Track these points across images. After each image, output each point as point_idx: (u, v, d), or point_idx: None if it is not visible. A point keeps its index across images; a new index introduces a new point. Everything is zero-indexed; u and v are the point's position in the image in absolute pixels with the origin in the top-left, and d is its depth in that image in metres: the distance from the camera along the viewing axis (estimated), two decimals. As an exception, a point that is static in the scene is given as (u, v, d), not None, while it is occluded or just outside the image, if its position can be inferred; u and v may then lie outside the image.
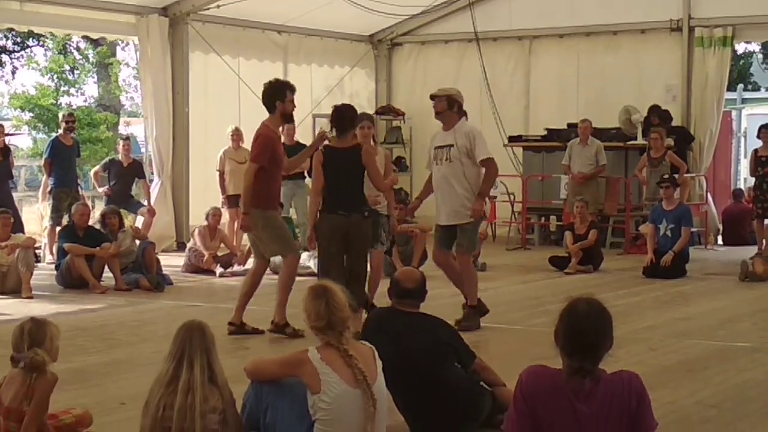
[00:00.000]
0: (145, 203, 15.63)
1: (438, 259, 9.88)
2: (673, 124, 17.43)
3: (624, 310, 10.60)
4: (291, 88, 9.58)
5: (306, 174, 16.53)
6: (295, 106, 9.64)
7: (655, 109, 17.17)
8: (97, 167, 16.18)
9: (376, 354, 5.23)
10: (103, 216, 13.24)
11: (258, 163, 9.24)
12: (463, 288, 9.77)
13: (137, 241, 13.02)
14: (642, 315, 10.72)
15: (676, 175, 15.30)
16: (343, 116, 9.30)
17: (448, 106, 9.55)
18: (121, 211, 15.03)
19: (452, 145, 9.53)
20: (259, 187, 9.23)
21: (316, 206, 9.25)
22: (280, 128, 10.00)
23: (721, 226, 18.49)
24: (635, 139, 17.32)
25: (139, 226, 14.67)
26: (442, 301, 9.67)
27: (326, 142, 9.46)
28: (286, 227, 9.75)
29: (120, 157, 15.52)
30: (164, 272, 12.95)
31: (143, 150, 19.86)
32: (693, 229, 15.05)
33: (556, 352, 4.16)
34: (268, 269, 9.89)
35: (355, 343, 5.23)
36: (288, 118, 9.68)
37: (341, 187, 9.10)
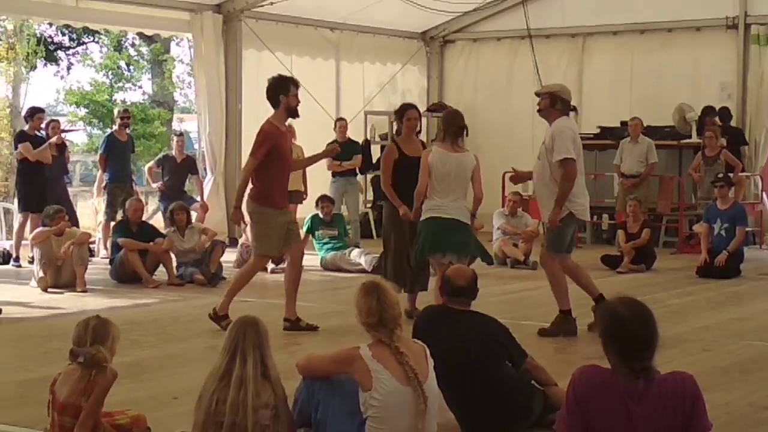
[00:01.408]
0: (198, 199, 15.74)
1: (541, 258, 9.79)
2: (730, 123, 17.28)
3: (677, 310, 10.51)
4: (295, 83, 9.63)
5: (357, 171, 16.62)
6: (299, 101, 9.62)
7: (710, 110, 17.00)
8: (151, 163, 16.32)
9: (428, 352, 5.22)
10: (171, 212, 13.35)
11: (254, 158, 9.27)
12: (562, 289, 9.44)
13: (203, 238, 13.10)
14: (696, 315, 10.62)
15: (731, 174, 15.14)
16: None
17: (551, 104, 9.36)
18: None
19: (544, 143, 9.48)
20: (257, 182, 9.29)
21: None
22: (286, 123, 9.88)
23: (776, 226, 18.27)
24: (689, 137, 17.16)
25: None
26: (493, 299, 9.65)
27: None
28: (279, 229, 9.44)
29: (174, 153, 15.62)
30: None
31: (196, 146, 19.99)
32: (748, 229, 14.89)
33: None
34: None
35: (406, 340, 5.24)
36: (292, 113, 9.63)
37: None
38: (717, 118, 16.99)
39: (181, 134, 16.87)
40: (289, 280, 9.52)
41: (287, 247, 9.48)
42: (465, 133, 9.37)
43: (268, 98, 9.58)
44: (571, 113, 9.50)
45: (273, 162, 9.30)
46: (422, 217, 9.26)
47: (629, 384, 4.05)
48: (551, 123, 9.36)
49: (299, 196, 15.94)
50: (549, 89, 9.58)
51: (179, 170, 15.45)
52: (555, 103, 9.34)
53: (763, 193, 17.89)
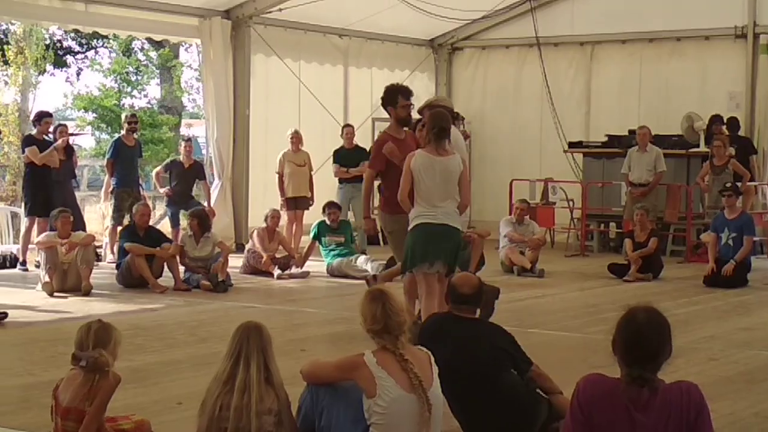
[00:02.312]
0: (206, 204, 15.75)
1: None
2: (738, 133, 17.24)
3: (684, 319, 10.49)
4: (404, 93, 9.58)
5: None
6: (408, 112, 9.61)
7: (717, 118, 16.97)
8: (158, 168, 16.34)
9: (433, 359, 5.21)
10: (192, 215, 13.38)
11: (372, 169, 9.41)
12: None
13: (217, 249, 13.11)
14: (702, 325, 10.59)
15: (739, 184, 15.11)
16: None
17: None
18: (181, 212, 15.22)
19: None
20: (386, 192, 9.38)
21: None
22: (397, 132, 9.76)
23: (784, 236, 18.22)
24: (697, 146, 17.14)
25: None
26: (499, 306, 9.61)
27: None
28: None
29: (181, 158, 15.63)
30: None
31: (204, 151, 20.01)
32: (755, 238, 14.85)
33: (614, 360, 4.12)
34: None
35: (411, 347, 5.22)
36: (404, 122, 9.63)
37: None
38: (725, 128, 16.96)
39: (188, 139, 16.88)
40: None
41: None
42: (448, 135, 8.70)
43: (384, 109, 9.67)
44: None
45: (395, 170, 9.12)
46: (410, 225, 8.76)
47: (634, 393, 4.03)
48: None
49: (305, 203, 15.97)
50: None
51: (187, 175, 15.45)
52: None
53: (771, 203, 17.85)
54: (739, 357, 8.97)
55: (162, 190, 15.77)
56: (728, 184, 14.47)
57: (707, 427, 4.08)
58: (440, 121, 8.71)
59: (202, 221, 13.37)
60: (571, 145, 18.49)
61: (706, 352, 9.03)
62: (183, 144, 16.04)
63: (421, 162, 8.61)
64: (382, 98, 9.65)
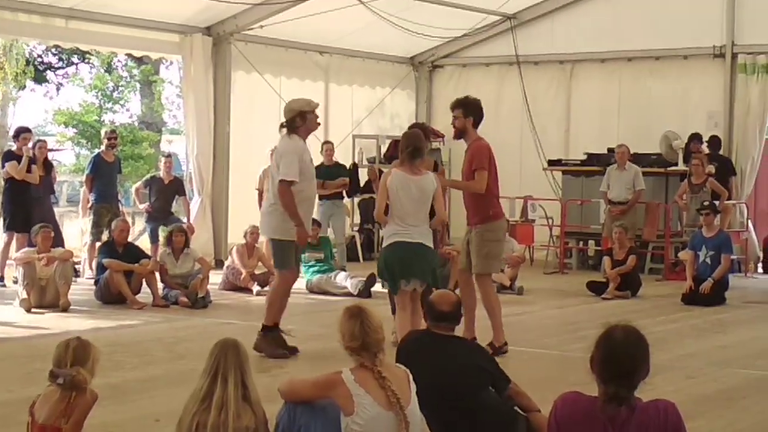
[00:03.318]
0: (185, 220, 15.73)
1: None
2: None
3: (662, 337, 10.51)
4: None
5: (345, 194, 16.65)
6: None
7: (696, 137, 17.05)
8: (138, 184, 16.31)
9: (411, 377, 5.21)
10: (170, 233, 13.37)
11: (486, 171, 9.39)
12: None
13: (196, 266, 13.09)
14: (680, 342, 10.63)
15: (717, 202, 15.19)
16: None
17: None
18: (160, 228, 15.18)
19: None
20: (494, 198, 9.55)
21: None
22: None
23: (761, 254, 18.29)
24: (676, 165, 17.23)
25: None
26: (478, 324, 9.62)
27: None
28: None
29: (161, 174, 15.61)
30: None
31: (184, 167, 19.99)
32: (733, 257, 14.93)
33: (592, 378, 4.14)
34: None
35: (389, 365, 5.22)
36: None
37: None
38: (705, 146, 17.05)
39: (168, 155, 16.85)
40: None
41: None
42: (422, 154, 8.93)
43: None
44: (283, 129, 9.38)
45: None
46: (385, 243, 8.96)
47: (611, 411, 4.04)
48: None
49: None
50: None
51: (166, 191, 15.42)
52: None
53: (749, 221, 17.95)
54: (717, 375, 9.00)
55: (141, 206, 15.74)
56: (706, 203, 14.55)
57: (684, 446, 4.10)
58: (414, 141, 8.95)
59: (187, 236, 13.41)
60: (551, 163, 18.55)
61: (684, 370, 9.06)
62: (163, 160, 16.02)
63: (397, 181, 8.80)
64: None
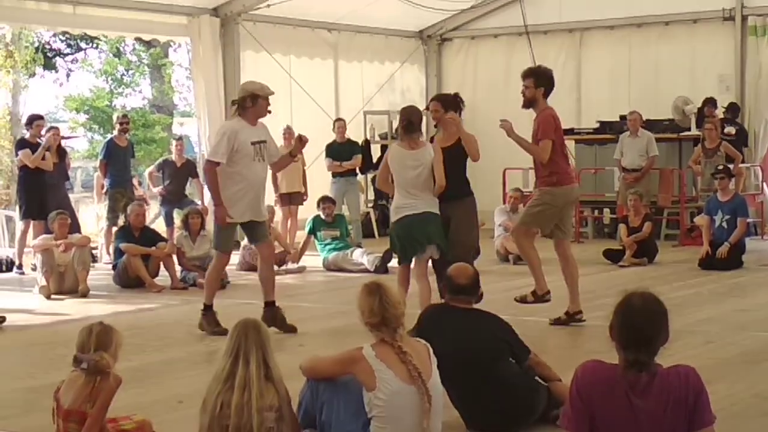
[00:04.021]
0: (199, 203, 15.75)
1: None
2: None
3: (680, 302, 10.51)
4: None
5: (358, 171, 16.65)
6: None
7: (709, 102, 16.99)
8: (151, 167, 16.34)
9: (431, 351, 5.24)
10: (186, 215, 13.41)
11: (551, 140, 9.55)
12: None
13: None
14: (698, 307, 10.62)
15: (731, 166, 15.15)
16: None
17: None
18: (175, 211, 15.22)
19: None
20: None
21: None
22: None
23: (777, 217, 18.27)
24: (689, 130, 17.17)
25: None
26: (495, 296, 9.65)
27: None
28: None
29: (173, 157, 15.65)
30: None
31: (197, 150, 20.01)
32: (749, 220, 14.89)
33: (611, 346, 4.15)
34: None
35: (409, 339, 5.25)
36: None
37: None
38: (722, 111, 16.98)
39: (180, 138, 16.88)
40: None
41: None
42: (415, 128, 9.15)
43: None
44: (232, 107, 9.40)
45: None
46: (393, 218, 9.22)
47: (632, 378, 4.06)
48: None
49: (300, 198, 15.99)
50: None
51: (179, 174, 15.47)
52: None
53: (764, 184, 17.89)
54: (736, 339, 9.00)
55: (155, 190, 15.78)
56: (720, 167, 14.50)
57: (706, 411, 4.11)
58: (409, 115, 9.23)
59: (203, 218, 13.44)
60: (563, 132, 18.45)
61: (703, 335, 9.06)
62: (174, 143, 16.06)
63: (396, 155, 9.15)
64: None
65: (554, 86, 9.78)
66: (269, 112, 9.49)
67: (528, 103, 9.67)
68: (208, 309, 9.51)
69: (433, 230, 9.03)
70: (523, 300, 9.57)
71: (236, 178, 9.19)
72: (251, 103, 9.23)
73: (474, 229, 9.54)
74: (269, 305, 9.42)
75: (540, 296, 9.57)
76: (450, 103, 9.63)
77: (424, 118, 10.17)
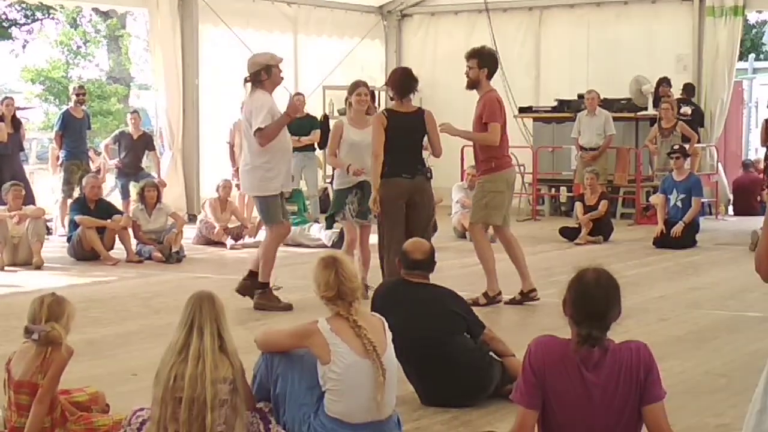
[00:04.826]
0: (155, 175, 15.67)
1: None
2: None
3: (634, 280, 10.61)
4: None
5: (316, 146, 16.60)
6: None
7: (664, 81, 17.08)
8: (107, 140, 16.23)
9: (386, 325, 5.24)
10: (142, 188, 13.31)
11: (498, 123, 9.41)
12: None
13: (170, 221, 13.06)
14: (652, 285, 10.72)
15: (687, 146, 15.27)
16: (403, 80, 9.25)
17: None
18: (131, 183, 15.12)
19: None
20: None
21: (378, 168, 9.04)
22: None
23: (731, 196, 18.46)
24: (646, 109, 17.27)
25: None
26: (453, 272, 9.69)
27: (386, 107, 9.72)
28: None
29: (129, 129, 15.55)
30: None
31: (154, 123, 19.88)
32: (704, 200, 15.03)
33: (566, 322, 4.18)
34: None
35: (365, 313, 5.25)
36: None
37: (405, 150, 8.98)
38: (680, 92, 17.08)
39: (135, 111, 16.78)
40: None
41: None
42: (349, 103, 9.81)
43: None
44: (248, 85, 9.31)
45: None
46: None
47: (585, 353, 4.09)
48: None
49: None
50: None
51: (135, 147, 15.38)
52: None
53: (719, 164, 18.06)
54: (689, 316, 9.10)
55: (111, 162, 15.67)
56: (676, 146, 14.62)
57: (656, 386, 4.16)
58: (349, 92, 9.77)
59: (159, 191, 13.38)
60: (521, 110, 18.55)
61: (656, 312, 9.16)
62: (130, 116, 15.95)
63: (346, 134, 9.85)
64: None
65: (498, 67, 9.66)
66: (282, 78, 9.49)
67: (472, 85, 9.52)
68: (265, 287, 9.40)
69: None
70: (475, 303, 9.37)
71: (276, 147, 9.20)
72: (266, 75, 9.19)
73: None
74: (253, 275, 9.40)
75: (492, 297, 9.43)
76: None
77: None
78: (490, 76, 9.50)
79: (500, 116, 9.41)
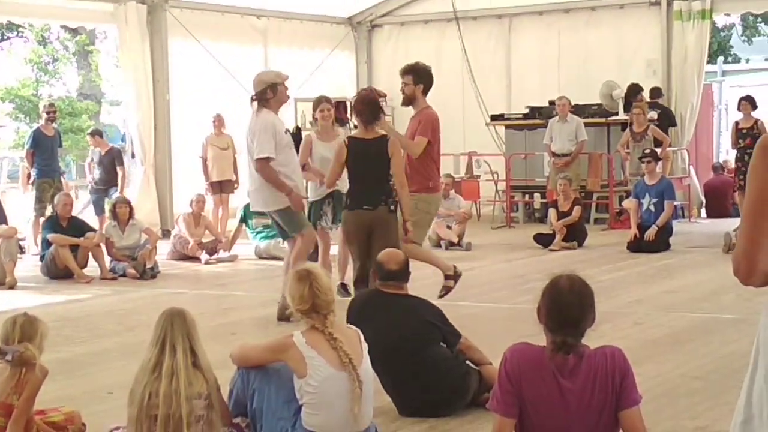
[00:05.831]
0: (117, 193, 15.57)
1: None
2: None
3: (609, 285, 10.65)
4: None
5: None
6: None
7: (635, 88, 17.14)
8: (88, 159, 16.31)
9: (362, 337, 5.24)
10: (114, 205, 13.25)
11: (431, 141, 9.33)
12: None
13: (143, 236, 12.99)
14: (627, 289, 10.76)
15: (658, 150, 15.34)
16: (371, 108, 8.91)
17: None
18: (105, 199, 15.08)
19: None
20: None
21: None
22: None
23: (704, 199, 18.56)
24: (617, 114, 17.35)
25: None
26: (428, 281, 9.68)
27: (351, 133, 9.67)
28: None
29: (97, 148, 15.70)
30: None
31: (125, 138, 19.83)
32: (676, 203, 15.10)
33: (541, 329, 4.18)
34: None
35: (340, 326, 5.24)
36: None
37: (367, 180, 8.80)
38: (647, 96, 17.15)
39: (91, 133, 17.00)
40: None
41: None
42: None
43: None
44: (254, 103, 9.24)
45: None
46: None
47: (560, 360, 4.10)
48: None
49: (231, 186, 15.92)
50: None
51: (105, 162, 15.55)
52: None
53: (691, 167, 18.15)
54: (664, 320, 9.13)
55: (89, 179, 15.81)
56: (647, 151, 14.68)
57: (632, 390, 4.17)
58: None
59: (131, 207, 13.33)
60: (493, 117, 18.60)
61: (631, 316, 9.18)
62: (90, 139, 16.12)
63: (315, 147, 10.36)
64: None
65: (433, 83, 9.53)
66: (288, 96, 9.47)
67: (408, 101, 9.47)
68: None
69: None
70: (447, 291, 9.38)
71: (287, 169, 9.16)
72: (272, 93, 9.13)
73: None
74: None
75: (452, 276, 9.41)
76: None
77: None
78: (425, 91, 9.44)
79: (433, 134, 9.33)
